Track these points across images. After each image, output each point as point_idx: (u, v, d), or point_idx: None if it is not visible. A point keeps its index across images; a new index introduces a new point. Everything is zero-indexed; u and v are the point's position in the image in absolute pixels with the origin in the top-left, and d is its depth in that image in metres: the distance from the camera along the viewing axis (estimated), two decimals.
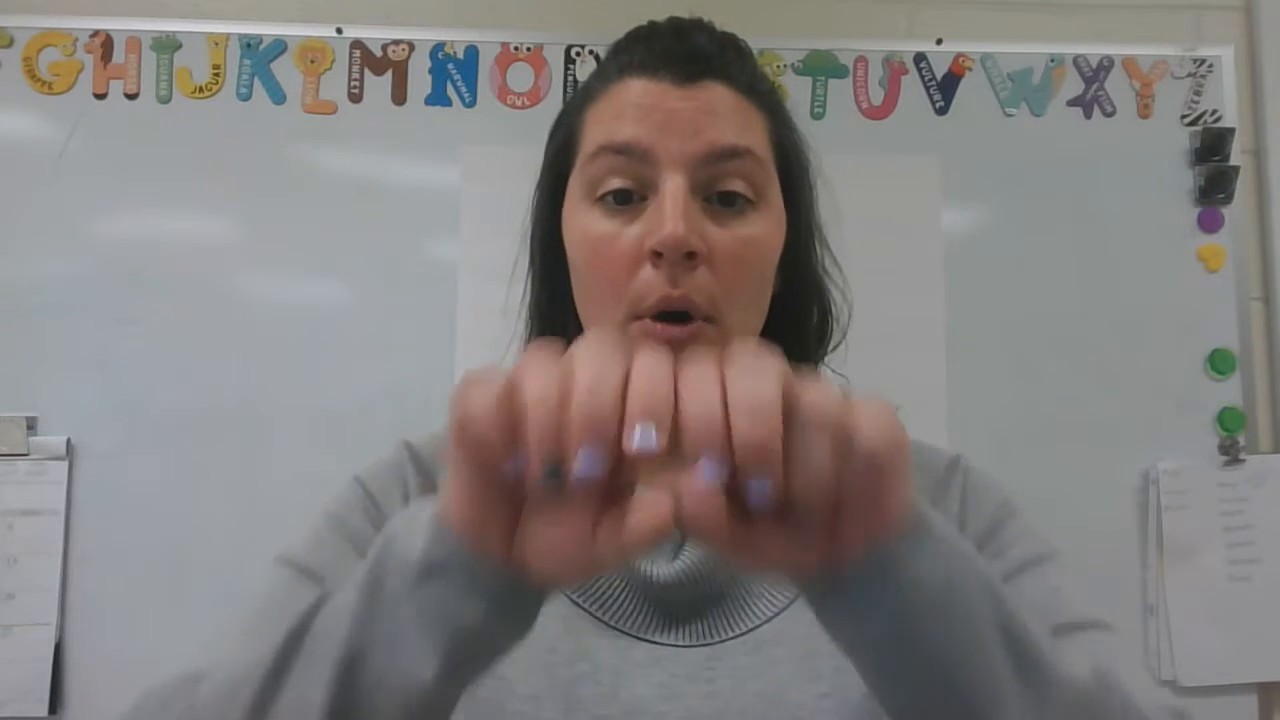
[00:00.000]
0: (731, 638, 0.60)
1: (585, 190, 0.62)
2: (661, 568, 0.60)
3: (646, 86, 0.61)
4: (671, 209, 0.57)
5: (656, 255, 0.57)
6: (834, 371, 0.71)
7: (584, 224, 0.61)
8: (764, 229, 0.61)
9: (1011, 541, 0.64)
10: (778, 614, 0.61)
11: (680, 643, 0.60)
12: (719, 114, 0.60)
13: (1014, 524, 0.66)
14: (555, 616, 0.61)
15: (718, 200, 0.60)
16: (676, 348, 0.57)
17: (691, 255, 0.57)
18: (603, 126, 0.62)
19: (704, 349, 0.44)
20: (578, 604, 0.61)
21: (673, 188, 0.58)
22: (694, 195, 0.59)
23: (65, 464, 1.35)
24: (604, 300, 0.60)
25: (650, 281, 0.58)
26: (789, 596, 0.61)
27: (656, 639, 0.60)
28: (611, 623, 0.61)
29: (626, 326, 0.59)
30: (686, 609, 0.61)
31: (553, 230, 0.66)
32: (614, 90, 0.63)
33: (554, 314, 0.68)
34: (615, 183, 0.60)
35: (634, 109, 0.60)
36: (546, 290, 0.68)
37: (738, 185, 0.60)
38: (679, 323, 0.58)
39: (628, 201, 0.60)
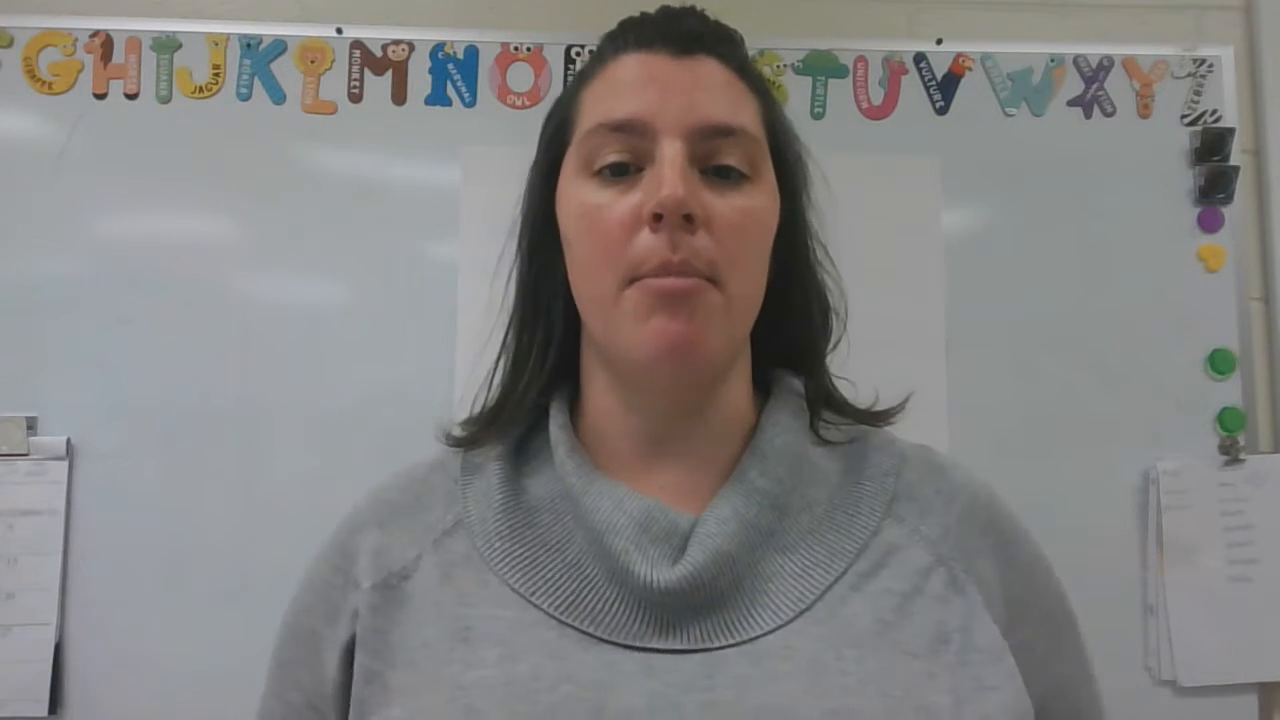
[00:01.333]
0: (730, 645, 0.57)
1: (581, 165, 0.62)
2: (662, 572, 0.57)
3: (642, 59, 0.61)
4: (670, 172, 0.57)
5: (655, 219, 0.57)
6: (838, 376, 0.70)
7: (580, 195, 0.61)
8: (761, 202, 0.62)
9: (1071, 655, 0.67)
10: (781, 626, 0.58)
11: (675, 647, 0.57)
12: (713, 89, 0.61)
13: (1072, 631, 0.68)
14: (538, 645, 0.58)
15: (714, 173, 0.60)
16: (678, 300, 0.57)
17: (690, 218, 0.57)
18: (600, 104, 0.61)
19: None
20: (565, 623, 0.58)
21: (671, 153, 0.58)
22: (691, 166, 0.59)
23: (65, 464, 1.35)
24: (600, 267, 0.59)
25: (649, 245, 0.57)
26: (794, 610, 0.58)
27: (650, 645, 0.57)
28: (602, 635, 0.58)
29: (622, 293, 0.59)
30: (684, 614, 0.58)
31: (546, 207, 0.66)
32: (609, 68, 0.63)
33: (540, 291, 0.67)
34: (612, 157, 0.60)
35: (631, 84, 0.61)
36: (534, 267, 0.68)
37: (733, 160, 0.60)
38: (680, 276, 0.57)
39: (625, 173, 0.60)
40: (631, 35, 0.63)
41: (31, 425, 1.36)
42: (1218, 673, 1.40)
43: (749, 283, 0.61)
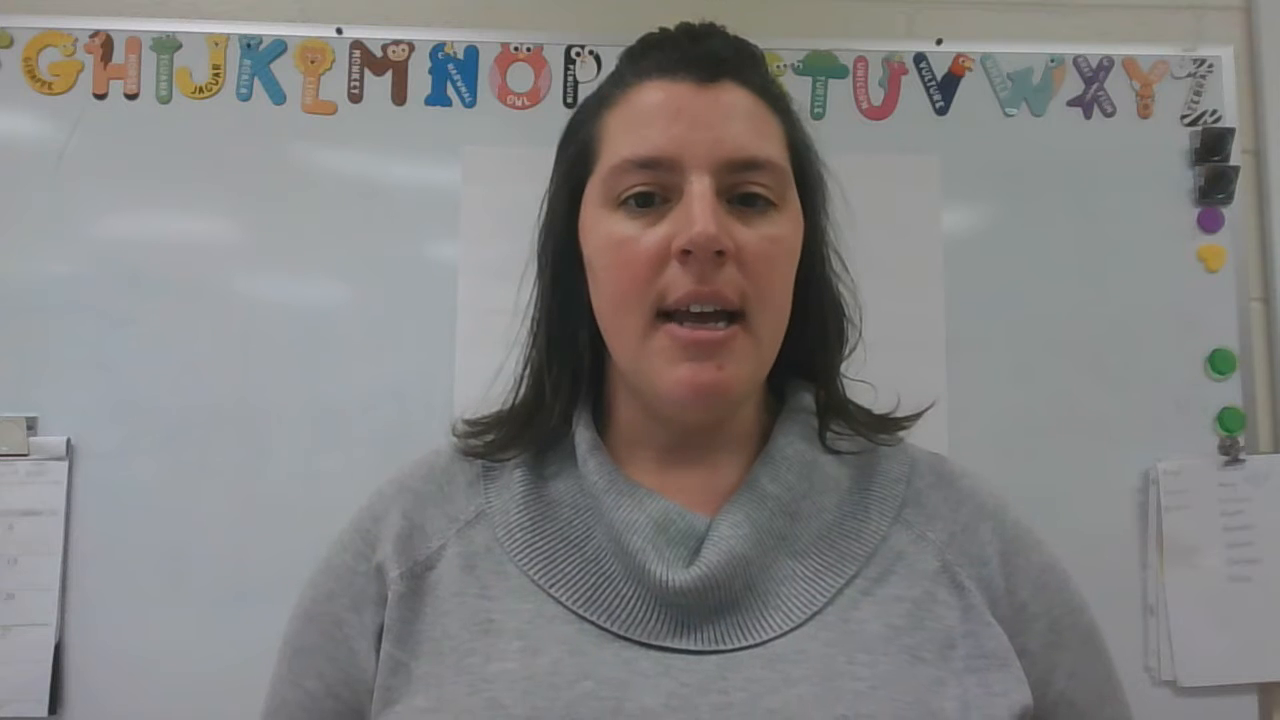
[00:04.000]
0: (744, 647, 0.58)
1: (606, 196, 0.61)
2: (677, 573, 0.58)
3: (666, 88, 0.61)
4: (700, 208, 0.57)
5: (685, 254, 0.57)
6: (856, 379, 0.70)
7: (606, 228, 0.61)
8: (787, 229, 0.62)
9: (1083, 671, 0.66)
10: (793, 629, 0.59)
11: (690, 647, 0.58)
12: (740, 120, 0.61)
13: (1086, 647, 0.67)
14: (557, 639, 0.59)
15: (740, 201, 0.60)
16: (708, 352, 0.58)
17: (720, 254, 0.57)
18: (625, 137, 0.61)
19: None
20: (583, 617, 0.60)
21: (700, 189, 0.58)
22: (718, 198, 0.59)
23: (65, 464, 1.35)
24: (628, 301, 0.60)
25: (676, 278, 0.58)
26: (806, 613, 0.59)
27: (666, 644, 0.58)
28: (619, 631, 0.59)
29: (651, 332, 0.59)
30: (699, 615, 0.59)
31: (568, 237, 0.65)
32: (632, 95, 0.63)
33: (566, 322, 0.67)
34: (639, 188, 0.60)
35: (656, 115, 0.60)
36: (558, 298, 0.67)
37: (759, 189, 0.60)
38: (709, 323, 0.58)
39: (650, 204, 0.60)
40: (654, 59, 0.63)
41: (31, 425, 1.36)
42: (1218, 673, 1.40)
43: (777, 314, 0.62)
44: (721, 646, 0.58)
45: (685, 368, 0.58)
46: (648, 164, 0.59)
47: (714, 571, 0.58)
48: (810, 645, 0.58)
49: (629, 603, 0.60)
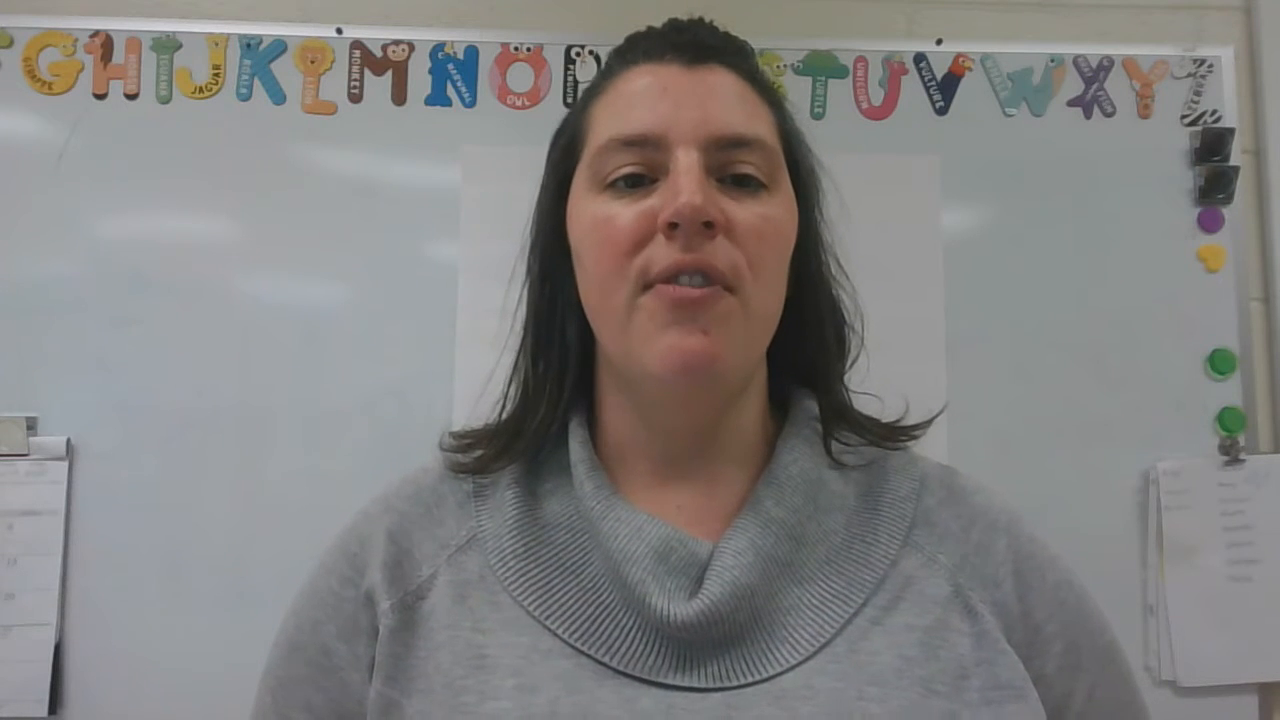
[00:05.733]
0: (751, 683, 0.55)
1: (593, 180, 0.60)
2: (678, 606, 0.55)
3: (653, 71, 0.60)
4: (687, 181, 0.55)
5: (671, 227, 0.55)
6: (861, 391, 0.68)
7: (592, 209, 0.59)
8: (780, 210, 0.60)
9: (1102, 694, 0.64)
10: (801, 662, 0.56)
11: (695, 684, 0.55)
12: (728, 99, 0.59)
13: (1105, 669, 0.65)
14: (555, 675, 0.56)
15: (731, 182, 0.58)
16: (695, 310, 0.55)
17: (709, 225, 0.55)
18: (612, 118, 0.60)
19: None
20: (582, 651, 0.57)
21: (687, 162, 0.56)
22: (707, 176, 0.57)
23: (65, 464, 1.35)
24: (611, 278, 0.57)
25: (661, 250, 0.55)
26: (813, 645, 0.57)
27: (669, 681, 0.55)
28: (620, 667, 0.56)
29: (635, 301, 0.56)
30: (702, 649, 0.56)
31: (557, 229, 0.64)
32: (619, 82, 0.61)
33: (554, 315, 0.65)
34: (626, 169, 0.58)
35: (642, 96, 0.59)
36: (546, 291, 0.65)
37: (750, 169, 0.58)
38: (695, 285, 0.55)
39: (638, 184, 0.58)
40: (640, 48, 0.62)
41: (31, 425, 1.36)
42: (1218, 673, 1.40)
43: (769, 293, 0.59)
44: (727, 683, 0.55)
45: (672, 332, 0.55)
46: (634, 142, 0.57)
47: (717, 604, 0.55)
48: (819, 680, 0.55)
49: (629, 635, 0.57)
